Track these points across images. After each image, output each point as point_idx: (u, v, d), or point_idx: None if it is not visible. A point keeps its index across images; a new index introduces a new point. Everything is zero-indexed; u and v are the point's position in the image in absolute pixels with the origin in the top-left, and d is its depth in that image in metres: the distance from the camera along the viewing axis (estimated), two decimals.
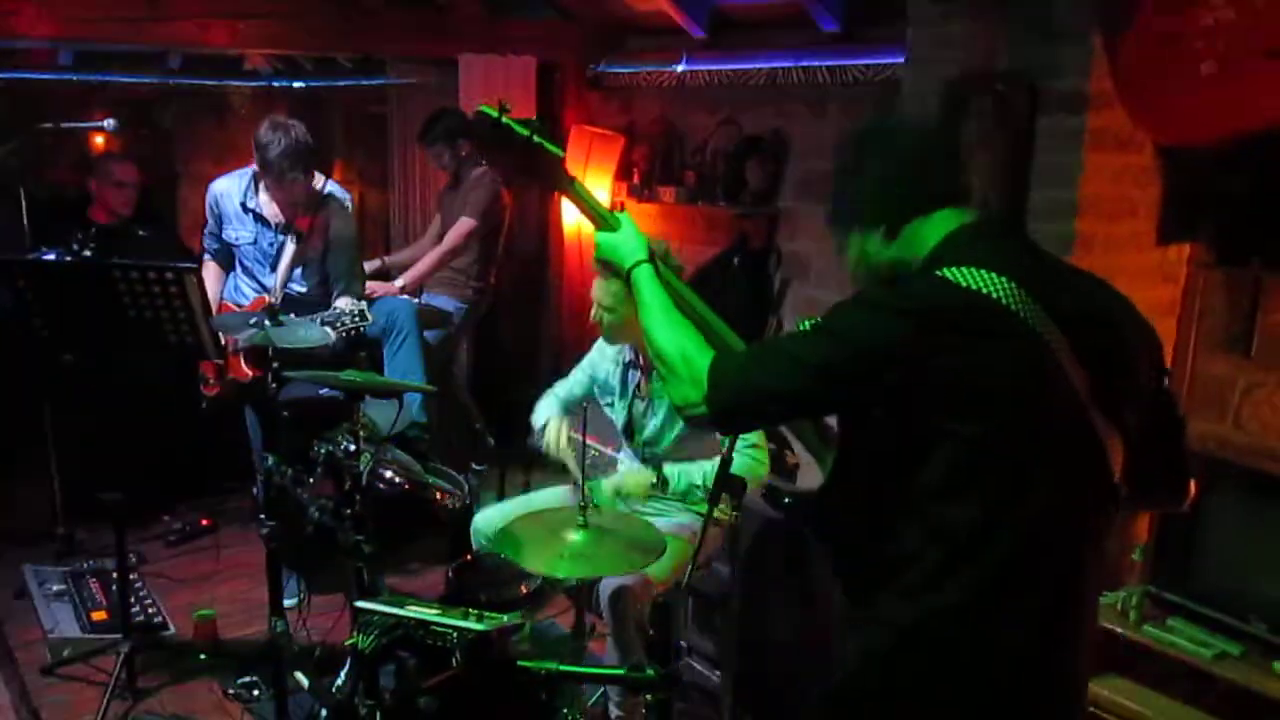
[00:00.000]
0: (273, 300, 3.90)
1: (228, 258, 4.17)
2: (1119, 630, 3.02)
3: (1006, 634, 1.59)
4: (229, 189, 4.07)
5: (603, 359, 3.35)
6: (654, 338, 1.79)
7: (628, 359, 3.26)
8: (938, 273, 1.57)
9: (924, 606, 1.59)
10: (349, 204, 4.14)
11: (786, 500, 2.10)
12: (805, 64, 4.36)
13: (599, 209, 2.00)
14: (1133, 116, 2.88)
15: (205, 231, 4.21)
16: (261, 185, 3.98)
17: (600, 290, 3.05)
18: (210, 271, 4.19)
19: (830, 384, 1.59)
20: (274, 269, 4.05)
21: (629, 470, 3.22)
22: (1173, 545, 3.08)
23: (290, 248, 4.01)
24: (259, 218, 4.03)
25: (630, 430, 3.26)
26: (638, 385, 3.24)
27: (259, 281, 4.09)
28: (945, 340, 1.52)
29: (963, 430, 1.53)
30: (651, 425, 3.19)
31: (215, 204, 4.09)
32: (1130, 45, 2.79)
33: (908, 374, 1.53)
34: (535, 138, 1.88)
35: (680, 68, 4.98)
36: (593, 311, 3.12)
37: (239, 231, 4.06)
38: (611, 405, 3.31)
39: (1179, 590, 3.04)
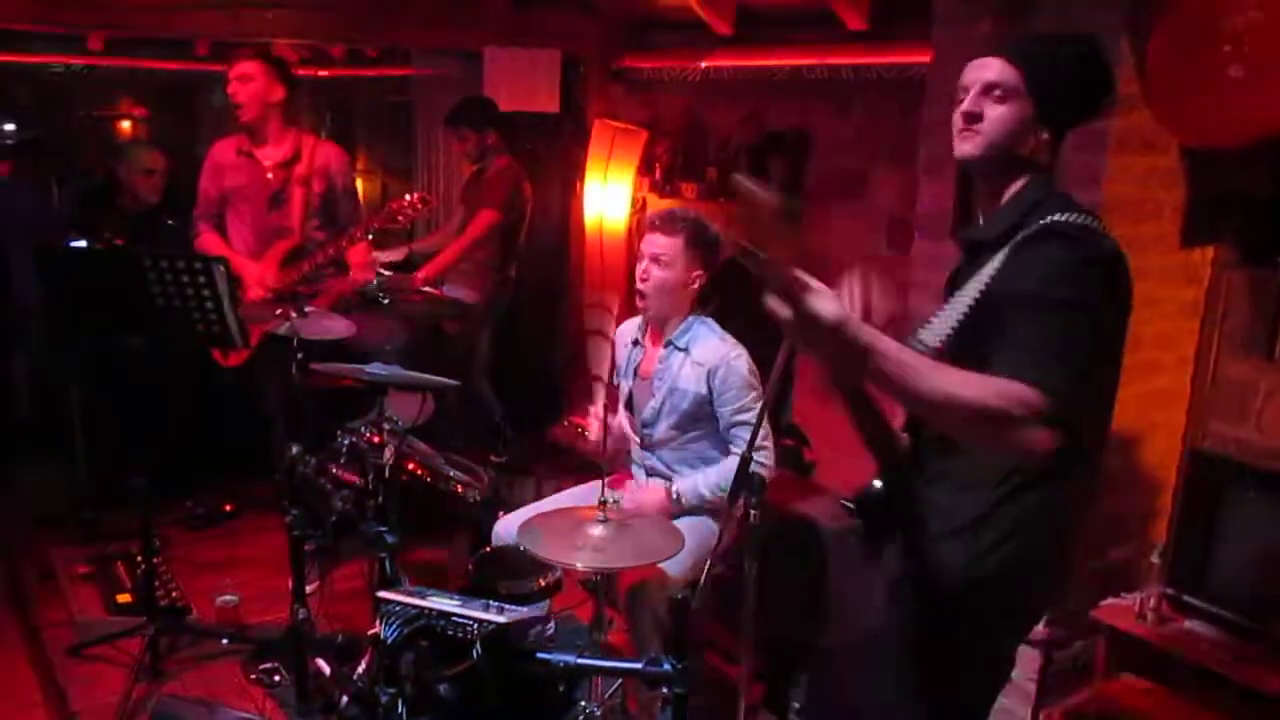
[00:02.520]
0: (298, 242, 4.09)
1: (221, 219, 4.32)
2: (1137, 631, 3.02)
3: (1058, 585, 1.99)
4: (226, 144, 4.29)
5: (621, 345, 3.39)
6: (956, 395, 1.57)
7: (634, 337, 3.29)
8: (1095, 223, 1.81)
9: (996, 559, 1.88)
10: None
11: (854, 504, 2.12)
12: (830, 61, 4.35)
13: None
14: (1159, 118, 2.88)
15: (199, 199, 4.34)
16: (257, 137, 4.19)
17: (659, 244, 3.06)
18: (211, 241, 4.31)
19: (1118, 352, 1.84)
20: (272, 208, 4.18)
21: (643, 486, 3.25)
22: (1191, 547, 3.08)
23: (298, 190, 4.14)
24: (252, 160, 4.18)
25: (630, 411, 3.29)
26: (636, 367, 3.27)
27: (252, 225, 4.21)
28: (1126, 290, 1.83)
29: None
30: (649, 407, 3.21)
31: (215, 160, 4.28)
32: (1158, 47, 2.78)
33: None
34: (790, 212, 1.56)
35: (704, 63, 4.98)
36: (640, 268, 3.12)
37: (235, 178, 4.22)
38: (617, 385, 3.35)
39: (1197, 592, 3.04)
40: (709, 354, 3.09)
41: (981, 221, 2.01)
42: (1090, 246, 1.79)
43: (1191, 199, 3.06)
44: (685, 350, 3.14)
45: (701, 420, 3.14)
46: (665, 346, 3.18)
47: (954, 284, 2.02)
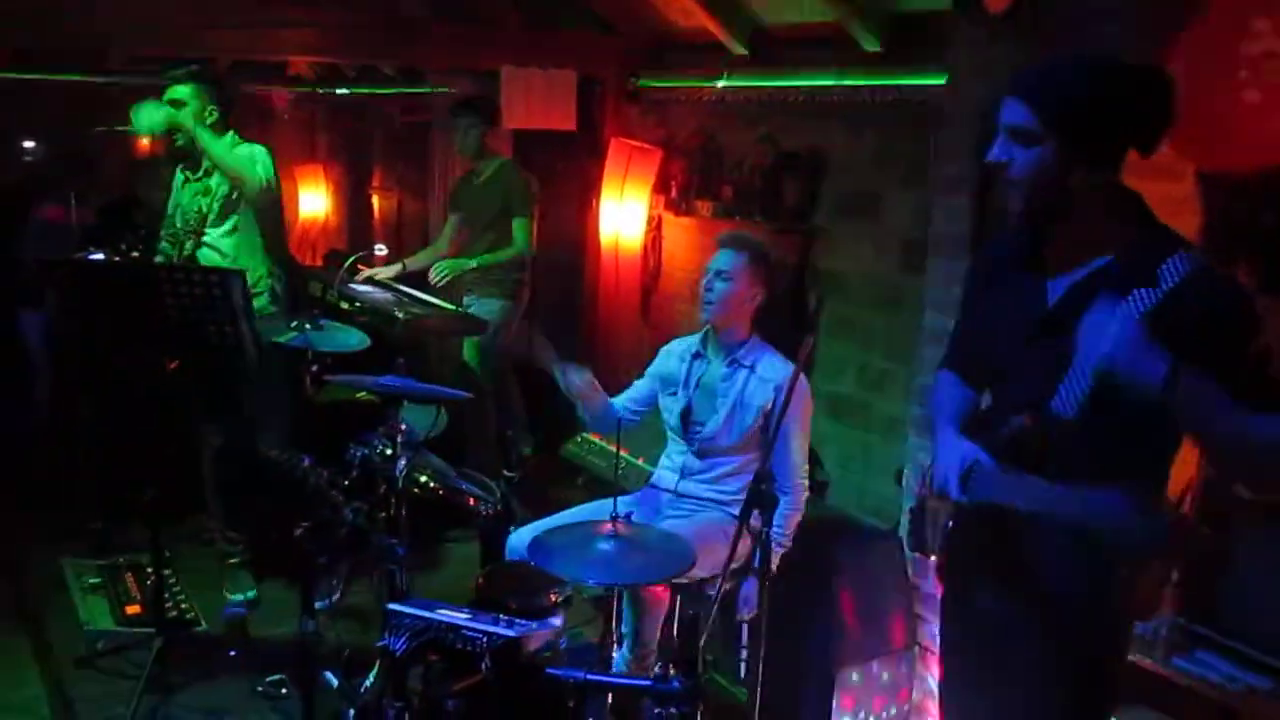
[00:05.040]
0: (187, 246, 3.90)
1: None
2: (1146, 662, 2.99)
3: None
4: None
5: (669, 358, 3.43)
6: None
7: (695, 351, 3.34)
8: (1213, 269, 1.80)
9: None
10: (265, 162, 3.87)
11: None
12: (845, 83, 4.37)
13: None
14: (1174, 143, 2.87)
15: None
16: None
17: (724, 260, 3.19)
18: None
19: None
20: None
21: None
22: (1201, 578, 3.06)
23: (200, 200, 3.94)
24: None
25: (686, 421, 3.31)
26: (699, 379, 3.31)
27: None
28: None
29: None
30: (711, 423, 3.24)
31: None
32: (1174, 71, 2.78)
33: None
34: None
35: (720, 83, 5.00)
36: (705, 279, 3.22)
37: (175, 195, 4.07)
38: (674, 394, 3.37)
39: (1207, 623, 3.01)
40: (776, 371, 3.20)
41: (1063, 263, 1.94)
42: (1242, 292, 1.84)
43: (1208, 226, 3.05)
44: (751, 368, 3.22)
45: (756, 440, 3.22)
46: (730, 365, 3.25)
47: (1046, 329, 1.91)
